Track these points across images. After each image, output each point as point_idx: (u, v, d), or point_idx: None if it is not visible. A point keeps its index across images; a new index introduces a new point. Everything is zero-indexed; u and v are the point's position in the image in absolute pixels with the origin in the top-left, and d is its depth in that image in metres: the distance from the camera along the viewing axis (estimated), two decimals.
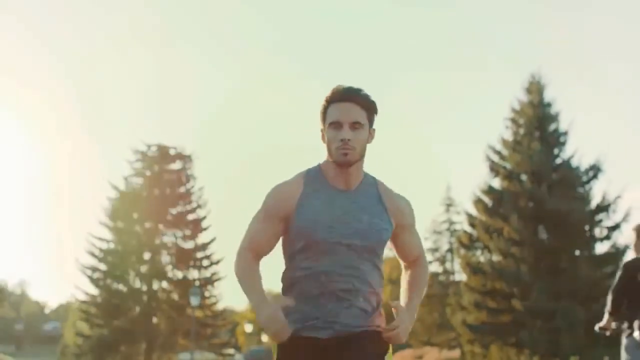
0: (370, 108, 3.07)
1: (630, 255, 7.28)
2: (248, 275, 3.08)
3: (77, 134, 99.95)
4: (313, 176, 3.12)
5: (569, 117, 41.63)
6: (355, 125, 3.01)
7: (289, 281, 3.11)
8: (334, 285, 3.00)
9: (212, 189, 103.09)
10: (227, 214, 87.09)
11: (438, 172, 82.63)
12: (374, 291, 3.07)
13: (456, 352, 36.92)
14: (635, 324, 6.14)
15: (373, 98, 3.11)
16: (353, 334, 2.99)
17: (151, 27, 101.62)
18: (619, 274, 6.38)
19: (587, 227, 28.62)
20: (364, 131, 3.04)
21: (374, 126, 3.14)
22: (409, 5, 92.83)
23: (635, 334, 6.07)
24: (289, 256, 3.11)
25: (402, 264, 3.33)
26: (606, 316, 6.45)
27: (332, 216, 3.02)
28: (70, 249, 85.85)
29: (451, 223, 42.08)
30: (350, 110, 3.02)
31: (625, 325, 6.28)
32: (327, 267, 3.00)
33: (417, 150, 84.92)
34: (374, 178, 3.18)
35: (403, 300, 3.22)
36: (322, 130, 3.12)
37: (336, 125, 3.02)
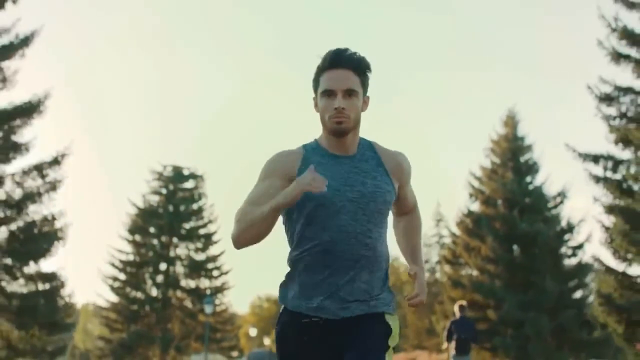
0: (363, 73, 3.05)
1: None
2: (260, 207, 2.93)
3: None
4: (312, 147, 3.13)
5: (541, 147, 47.04)
6: (349, 93, 3.00)
7: (293, 260, 3.09)
8: (340, 255, 2.99)
9: (221, 206, 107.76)
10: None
11: (430, 185, 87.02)
12: (381, 259, 3.08)
13: (444, 356, 42.29)
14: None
15: (366, 59, 3.08)
16: (355, 317, 3.01)
17: (151, 30, 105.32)
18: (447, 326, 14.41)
19: (554, 246, 33.96)
20: (358, 99, 3.03)
21: (369, 93, 3.11)
22: (409, 10, 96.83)
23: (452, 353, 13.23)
24: (293, 229, 3.10)
25: (394, 212, 3.38)
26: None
27: (336, 180, 3.02)
28: (84, 259, 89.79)
29: (440, 237, 47.54)
30: (343, 78, 3.01)
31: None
32: (333, 234, 3.00)
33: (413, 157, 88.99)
34: (369, 141, 3.20)
35: (405, 249, 3.35)
36: (314, 99, 3.11)
37: (329, 93, 3.01)
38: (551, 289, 32.90)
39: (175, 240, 41.12)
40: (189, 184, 42.34)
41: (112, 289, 40.59)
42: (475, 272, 34.58)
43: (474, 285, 33.59)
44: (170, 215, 40.91)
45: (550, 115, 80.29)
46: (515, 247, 34.09)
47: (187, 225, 41.40)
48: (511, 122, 35.34)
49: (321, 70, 3.05)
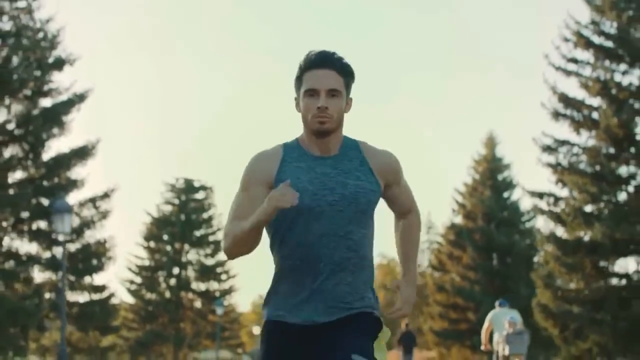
0: (347, 74, 3.10)
1: None
2: (241, 223, 3.03)
3: None
4: (291, 146, 3.15)
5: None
6: (332, 93, 3.04)
7: (277, 266, 3.16)
8: (321, 260, 3.04)
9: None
10: None
11: (426, 187, 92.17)
12: (365, 261, 3.12)
13: (432, 353, 48.36)
14: None
15: (350, 63, 3.14)
16: (340, 319, 3.07)
17: (150, 31, 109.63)
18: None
19: (528, 256, 40.03)
20: (341, 99, 3.07)
21: (351, 95, 3.15)
22: (411, 10, 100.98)
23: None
24: (273, 234, 3.15)
25: (393, 213, 3.38)
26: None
27: (315, 183, 3.06)
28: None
29: (431, 243, 53.80)
30: (326, 77, 3.05)
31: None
32: (314, 238, 3.05)
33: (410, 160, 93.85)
34: (354, 140, 3.20)
35: (399, 256, 3.39)
36: (296, 99, 3.14)
37: (312, 92, 3.04)
38: (524, 293, 38.94)
39: (186, 246, 46.39)
40: (200, 195, 47.86)
41: (129, 291, 45.77)
42: (457, 278, 40.63)
43: (456, 289, 39.59)
44: (182, 223, 46.10)
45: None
46: (493, 256, 40.18)
47: (197, 233, 46.69)
48: (491, 143, 41.38)
49: (304, 69, 3.09)
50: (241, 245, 3.06)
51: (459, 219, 41.35)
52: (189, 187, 47.70)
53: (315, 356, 3.09)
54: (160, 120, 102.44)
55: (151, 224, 46.79)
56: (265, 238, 3.14)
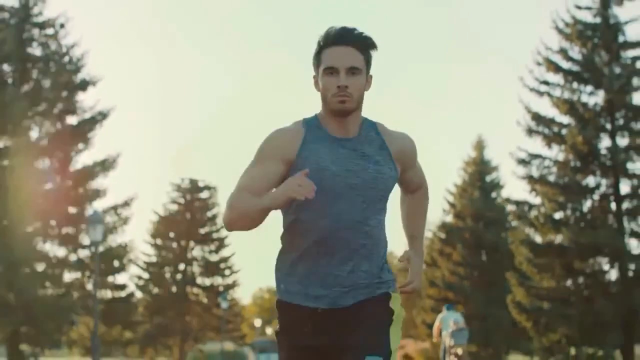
0: (368, 50, 3.09)
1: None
2: (246, 200, 3.00)
3: None
4: (312, 124, 3.13)
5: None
6: (352, 71, 3.03)
7: (289, 244, 3.15)
8: (338, 244, 3.05)
9: None
10: (244, 233, 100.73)
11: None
12: (379, 247, 3.14)
13: (426, 344, 52.12)
14: None
15: (371, 37, 3.11)
16: (356, 304, 3.08)
17: (152, 24, 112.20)
18: None
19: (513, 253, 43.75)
20: (362, 77, 3.06)
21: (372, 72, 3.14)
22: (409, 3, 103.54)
23: None
24: (287, 211, 3.14)
25: (400, 189, 3.41)
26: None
27: (337, 165, 3.05)
28: None
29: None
30: (346, 55, 3.03)
31: None
32: (331, 221, 3.04)
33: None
34: (372, 122, 3.21)
35: (406, 231, 3.42)
36: (314, 77, 3.13)
37: (332, 71, 3.03)
38: (510, 289, 42.81)
39: (192, 243, 49.38)
40: (204, 195, 51.02)
41: (137, 286, 48.55)
42: (448, 274, 44.50)
43: (446, 284, 43.45)
44: (187, 221, 49.20)
45: None
46: (481, 253, 44.00)
47: (202, 231, 49.66)
48: (479, 146, 45.21)
49: (323, 46, 3.07)
50: (245, 222, 3.04)
51: (449, 218, 45.17)
52: (194, 187, 50.74)
53: (332, 340, 3.09)
54: (166, 125, 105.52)
55: (158, 222, 49.71)
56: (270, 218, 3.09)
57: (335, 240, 3.07)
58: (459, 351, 18.67)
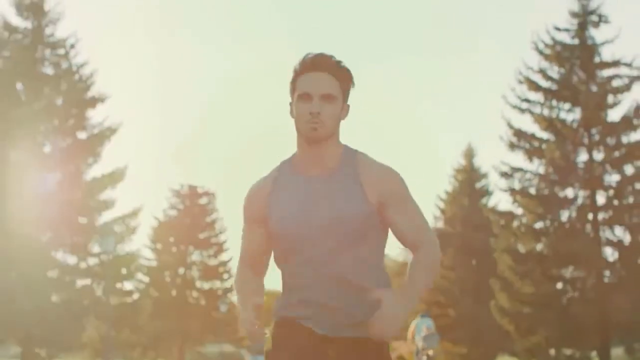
0: (344, 78, 3.05)
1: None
2: (239, 288, 3.21)
3: None
4: (285, 169, 3.15)
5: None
6: (326, 98, 2.99)
7: (283, 288, 3.24)
8: (314, 286, 3.07)
9: (230, 219, 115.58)
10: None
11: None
12: (369, 279, 3.07)
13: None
14: None
15: (348, 67, 3.07)
16: (347, 341, 3.06)
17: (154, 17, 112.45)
18: None
19: None
20: (336, 104, 3.02)
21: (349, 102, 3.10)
22: None
23: None
24: (274, 255, 3.23)
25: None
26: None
27: (302, 209, 3.05)
28: None
29: None
30: (321, 81, 3.01)
31: None
32: (306, 264, 3.06)
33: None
34: (354, 152, 3.13)
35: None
36: (290, 105, 3.09)
37: (305, 97, 3.01)
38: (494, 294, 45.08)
39: (191, 248, 50.47)
40: (203, 200, 52.34)
41: (138, 290, 50.88)
42: (438, 278, 46.82)
43: (438, 288, 45.82)
44: (187, 227, 50.30)
45: None
46: (471, 258, 46.35)
47: (201, 236, 50.64)
48: (469, 154, 47.58)
49: (299, 72, 3.05)
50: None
51: (440, 224, 47.53)
52: (193, 193, 52.15)
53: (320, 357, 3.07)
54: (167, 135, 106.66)
55: (158, 227, 51.08)
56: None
57: (312, 284, 3.09)
58: (430, 352, 21.31)
